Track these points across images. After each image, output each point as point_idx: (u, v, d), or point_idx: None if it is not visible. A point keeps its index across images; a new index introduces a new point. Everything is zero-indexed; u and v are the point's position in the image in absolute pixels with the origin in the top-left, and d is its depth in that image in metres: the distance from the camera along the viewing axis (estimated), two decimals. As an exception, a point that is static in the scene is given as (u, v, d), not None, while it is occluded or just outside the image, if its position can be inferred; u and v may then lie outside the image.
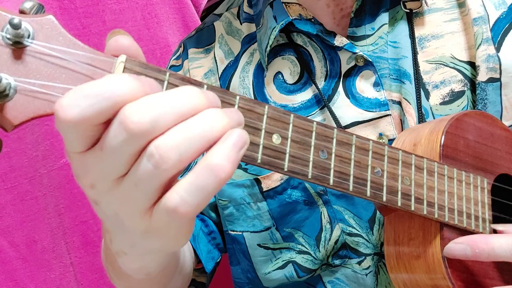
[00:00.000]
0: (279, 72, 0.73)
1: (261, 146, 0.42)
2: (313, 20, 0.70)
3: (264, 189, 0.71)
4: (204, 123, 0.35)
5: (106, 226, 0.44)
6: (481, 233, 0.57)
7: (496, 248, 0.52)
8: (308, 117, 0.70)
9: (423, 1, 0.69)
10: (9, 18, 0.34)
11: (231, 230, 0.75)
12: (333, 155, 0.47)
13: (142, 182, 0.35)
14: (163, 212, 0.36)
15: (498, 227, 0.58)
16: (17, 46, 0.34)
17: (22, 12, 0.36)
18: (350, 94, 0.69)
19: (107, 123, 0.35)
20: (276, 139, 0.43)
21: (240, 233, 0.74)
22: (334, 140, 0.47)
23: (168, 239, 0.39)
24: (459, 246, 0.53)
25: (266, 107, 0.43)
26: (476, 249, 0.52)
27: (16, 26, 0.33)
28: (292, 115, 0.44)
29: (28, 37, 0.35)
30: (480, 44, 0.66)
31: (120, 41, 0.38)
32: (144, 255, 0.45)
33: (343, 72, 0.70)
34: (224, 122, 0.36)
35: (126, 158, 0.35)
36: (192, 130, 0.35)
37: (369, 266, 0.68)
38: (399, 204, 0.51)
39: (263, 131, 0.42)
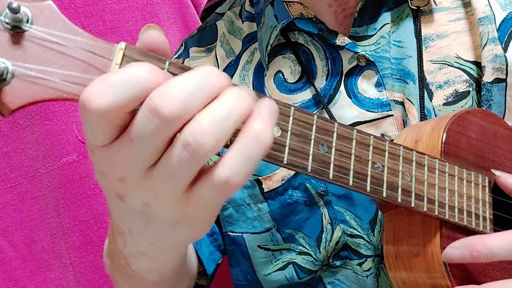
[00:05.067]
0: (279, 71, 0.73)
1: None
2: (314, 19, 0.70)
3: (265, 190, 0.71)
4: (234, 101, 0.35)
5: (120, 228, 0.43)
6: (482, 231, 0.57)
7: (494, 249, 0.51)
8: None
9: (432, 0, 0.69)
10: (8, 2, 0.34)
11: (230, 231, 0.75)
12: (333, 149, 0.46)
13: (178, 170, 0.35)
14: (211, 188, 0.35)
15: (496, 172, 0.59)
16: (16, 31, 0.34)
17: None
18: (352, 94, 0.69)
19: (133, 113, 0.35)
20: (276, 132, 0.42)
21: (240, 234, 0.74)
22: (335, 134, 0.47)
23: (199, 225, 0.40)
24: (456, 251, 0.52)
25: (266, 98, 0.42)
26: (474, 252, 0.51)
27: (14, 10, 0.33)
28: (292, 108, 0.44)
29: (27, 22, 0.35)
30: (485, 44, 0.66)
31: (153, 36, 0.38)
32: (164, 253, 0.45)
33: (344, 72, 0.69)
34: (251, 97, 0.36)
35: (158, 146, 0.35)
36: (223, 110, 0.34)
37: (370, 268, 0.68)
38: (399, 200, 0.51)
39: None
